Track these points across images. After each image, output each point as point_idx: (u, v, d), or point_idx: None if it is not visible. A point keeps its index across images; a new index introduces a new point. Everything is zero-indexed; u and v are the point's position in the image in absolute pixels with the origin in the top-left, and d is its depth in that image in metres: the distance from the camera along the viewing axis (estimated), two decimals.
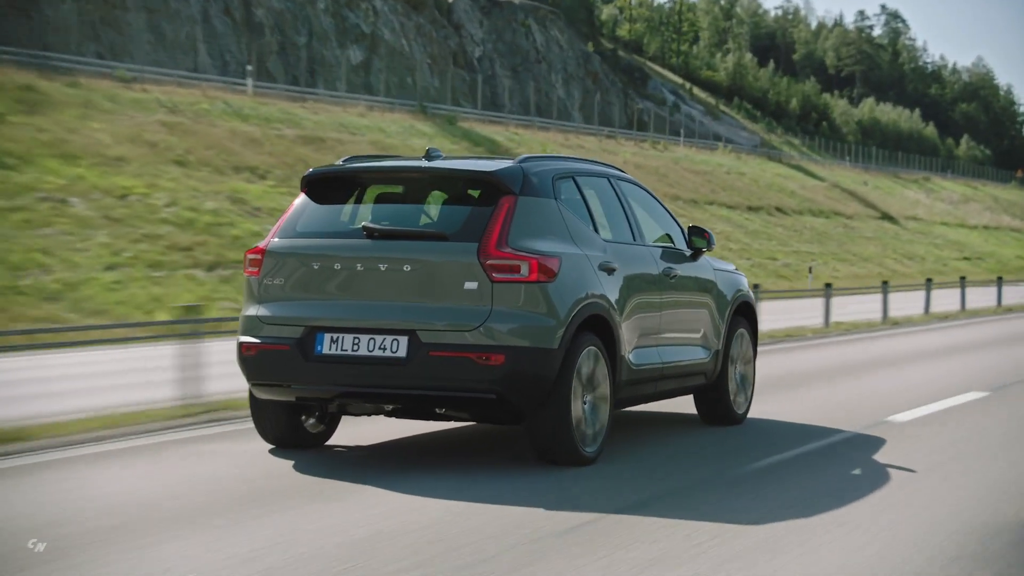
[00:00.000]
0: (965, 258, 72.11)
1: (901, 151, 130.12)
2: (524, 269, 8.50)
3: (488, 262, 8.46)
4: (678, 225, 10.90)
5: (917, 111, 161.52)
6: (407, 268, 8.59)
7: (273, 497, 7.89)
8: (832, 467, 9.29)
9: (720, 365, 10.98)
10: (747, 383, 11.50)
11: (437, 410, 8.79)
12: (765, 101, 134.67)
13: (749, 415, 11.57)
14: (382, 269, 8.63)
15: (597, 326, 9.07)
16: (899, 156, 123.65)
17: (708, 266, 11.02)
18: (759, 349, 12.60)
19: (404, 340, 8.52)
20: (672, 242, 10.68)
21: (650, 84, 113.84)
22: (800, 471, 9.15)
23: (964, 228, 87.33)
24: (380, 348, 8.57)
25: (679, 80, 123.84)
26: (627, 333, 9.43)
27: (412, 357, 8.47)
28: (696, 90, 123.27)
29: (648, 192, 10.78)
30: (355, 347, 8.62)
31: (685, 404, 11.86)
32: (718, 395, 11.08)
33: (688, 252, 10.77)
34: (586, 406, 8.94)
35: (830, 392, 14.00)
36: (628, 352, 9.48)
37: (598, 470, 8.85)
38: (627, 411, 11.68)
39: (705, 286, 10.86)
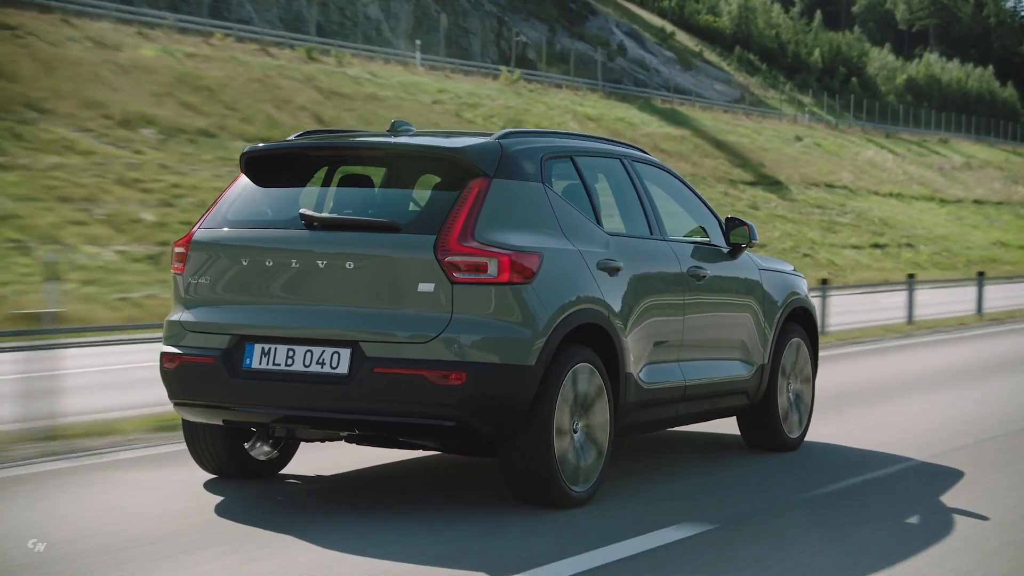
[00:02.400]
0: (875, 245, 51.14)
1: (966, 114, 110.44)
2: (492, 267, 6.91)
3: (447, 259, 6.88)
4: (714, 216, 9.19)
5: (991, 68, 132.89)
6: (350, 265, 7.05)
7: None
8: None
9: (766, 382, 9.24)
10: (803, 403, 9.74)
11: (398, 438, 7.25)
12: (778, 52, 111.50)
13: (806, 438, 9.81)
14: (321, 266, 7.10)
15: (593, 337, 7.45)
16: (956, 119, 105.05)
17: (751, 265, 9.29)
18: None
19: (346, 353, 6.99)
20: (706, 236, 8.99)
21: (594, 21, 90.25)
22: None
23: (929, 201, 67.61)
24: (318, 363, 7.04)
25: (659, 23, 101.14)
26: (635, 345, 7.78)
27: (354, 374, 6.93)
28: (682, 35, 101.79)
29: (676, 177, 9.08)
30: (289, 361, 7.11)
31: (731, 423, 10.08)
32: (765, 417, 9.35)
33: (725, 248, 9.07)
34: (577, 435, 7.33)
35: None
36: (637, 368, 7.82)
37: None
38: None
39: (746, 288, 9.13)
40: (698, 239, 8.86)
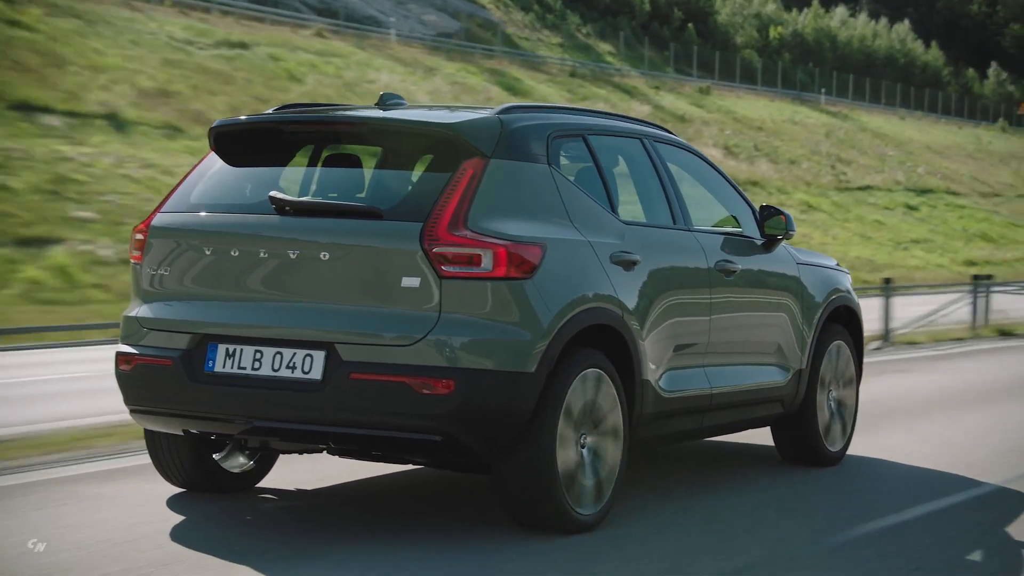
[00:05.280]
0: None
1: (871, 78, 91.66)
2: (487, 260, 6.01)
3: (436, 250, 5.99)
4: (748, 205, 8.24)
5: (907, 24, 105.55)
6: (325, 256, 6.17)
7: None
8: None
9: (804, 389, 8.30)
10: (845, 412, 8.78)
11: (373, 452, 6.38)
12: None
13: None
14: (292, 257, 6.23)
15: (604, 340, 6.54)
16: (858, 83, 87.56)
17: (789, 259, 8.34)
18: None
19: (320, 356, 6.11)
20: (738, 226, 8.05)
21: None
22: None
23: None
24: (288, 367, 6.17)
25: None
26: (653, 349, 6.87)
27: (328, 380, 6.06)
28: None
29: (705, 160, 8.14)
30: (256, 364, 6.24)
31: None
32: (803, 428, 8.41)
33: (760, 240, 8.13)
34: (584, 450, 6.43)
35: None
36: (656, 375, 6.92)
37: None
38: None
39: (783, 284, 8.19)
40: (728, 229, 7.93)
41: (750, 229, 8.09)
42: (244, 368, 6.25)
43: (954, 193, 61.65)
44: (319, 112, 7.16)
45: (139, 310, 6.64)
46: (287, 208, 6.30)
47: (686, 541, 6.51)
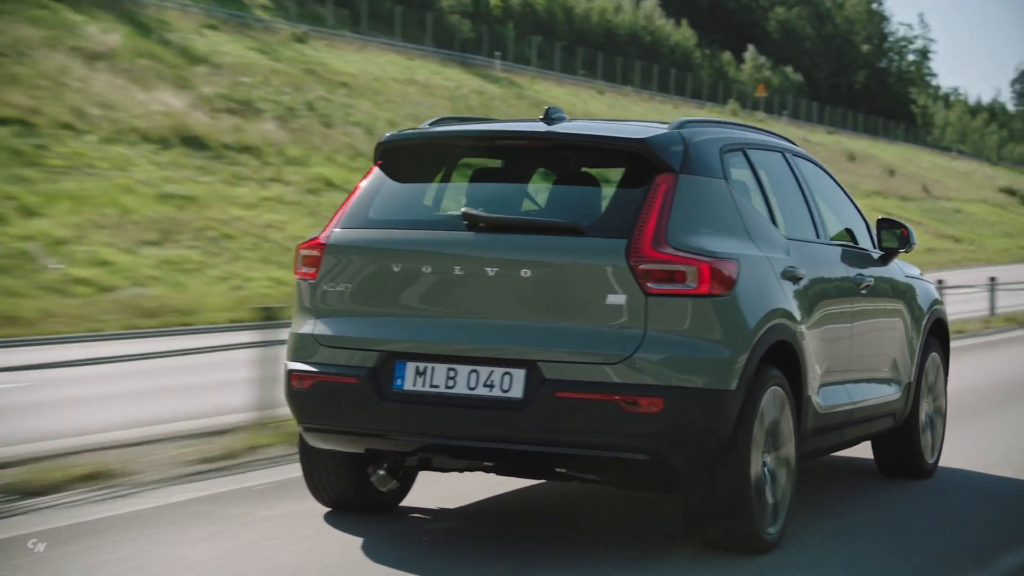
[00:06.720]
0: None
1: (606, 54, 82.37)
2: (691, 276, 5.96)
3: (642, 267, 5.92)
4: (863, 217, 8.30)
5: (653, 0, 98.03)
6: (526, 273, 6.06)
7: None
8: None
9: (911, 403, 8.38)
10: (937, 424, 8.89)
11: (557, 469, 6.27)
12: None
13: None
14: (490, 274, 6.11)
15: (781, 356, 6.53)
16: (589, 57, 79.40)
17: (899, 271, 8.42)
18: None
19: (520, 375, 6.01)
20: (854, 240, 8.09)
21: None
22: None
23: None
24: (486, 385, 6.06)
25: None
26: (812, 364, 6.87)
27: (531, 398, 5.96)
28: None
29: (827, 173, 8.19)
30: (450, 383, 6.11)
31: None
32: (907, 441, 8.48)
33: (876, 254, 8.19)
34: (765, 468, 6.40)
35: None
36: (815, 391, 6.92)
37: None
38: None
39: (899, 298, 8.26)
40: (848, 243, 7.97)
41: (865, 242, 8.15)
42: (437, 386, 6.13)
43: None
44: (502, 127, 7.06)
45: (314, 327, 6.46)
46: (481, 224, 6.19)
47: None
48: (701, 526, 6.36)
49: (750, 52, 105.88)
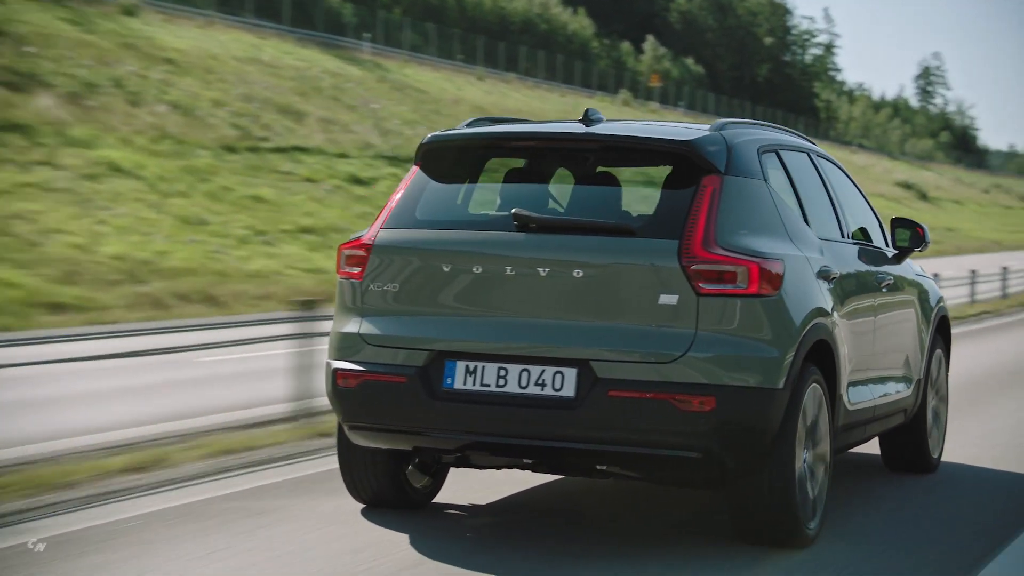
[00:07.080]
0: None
1: (488, 40, 78.96)
2: (741, 276, 6.04)
3: (694, 267, 6.00)
4: (876, 216, 8.44)
5: None
6: (578, 274, 6.12)
7: None
8: None
9: (920, 399, 8.53)
10: (940, 419, 9.06)
11: (598, 466, 6.33)
12: None
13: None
14: (542, 274, 6.16)
15: (819, 355, 6.63)
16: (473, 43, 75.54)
17: (911, 271, 8.57)
18: None
19: (572, 374, 6.07)
20: (869, 239, 8.21)
21: None
22: None
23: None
24: (537, 384, 6.11)
25: None
26: (845, 362, 6.99)
27: (584, 397, 6.02)
28: None
29: (845, 172, 8.30)
30: (501, 382, 6.16)
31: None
32: (914, 437, 8.62)
33: (890, 252, 8.32)
34: (806, 465, 6.51)
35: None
36: (845, 388, 7.04)
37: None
38: None
39: (911, 296, 8.41)
40: (864, 242, 8.09)
41: (879, 241, 8.27)
42: (487, 385, 6.17)
43: None
44: (544, 128, 7.10)
45: (360, 326, 6.48)
46: (532, 224, 6.23)
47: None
48: (746, 522, 6.44)
49: (650, 42, 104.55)
